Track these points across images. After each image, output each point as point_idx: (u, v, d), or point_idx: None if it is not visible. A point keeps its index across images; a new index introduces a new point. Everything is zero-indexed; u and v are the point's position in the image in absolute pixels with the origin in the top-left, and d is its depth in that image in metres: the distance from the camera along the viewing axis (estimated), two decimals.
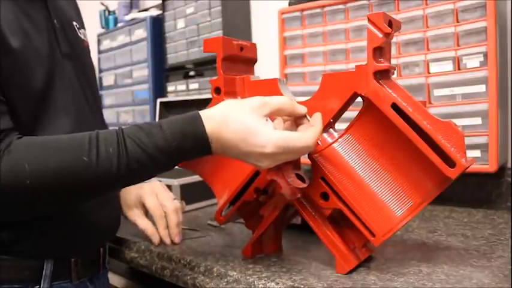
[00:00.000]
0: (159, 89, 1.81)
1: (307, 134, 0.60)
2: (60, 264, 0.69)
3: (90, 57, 0.83)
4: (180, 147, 0.58)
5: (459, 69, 0.99)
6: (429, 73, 1.03)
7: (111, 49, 2.03)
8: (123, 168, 0.57)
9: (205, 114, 0.59)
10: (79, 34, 0.78)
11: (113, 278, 0.94)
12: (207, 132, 0.58)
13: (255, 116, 0.59)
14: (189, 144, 0.58)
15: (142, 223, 0.86)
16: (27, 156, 0.56)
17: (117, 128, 0.60)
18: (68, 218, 0.68)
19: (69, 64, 0.72)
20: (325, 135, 0.69)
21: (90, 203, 0.68)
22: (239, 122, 0.58)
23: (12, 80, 0.61)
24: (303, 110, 0.63)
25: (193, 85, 1.68)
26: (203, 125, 0.58)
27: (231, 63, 0.74)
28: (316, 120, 0.62)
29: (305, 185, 0.65)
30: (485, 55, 0.95)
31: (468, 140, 0.85)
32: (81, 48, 0.77)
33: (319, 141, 0.68)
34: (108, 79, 2.02)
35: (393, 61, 1.01)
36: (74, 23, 0.77)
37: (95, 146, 0.57)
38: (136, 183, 0.64)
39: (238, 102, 0.61)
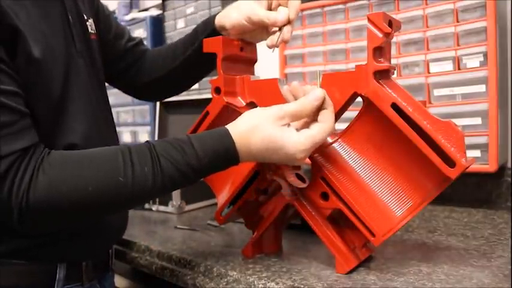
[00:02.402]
0: None
1: (326, 122, 0.61)
2: (72, 268, 0.69)
3: (99, 51, 0.80)
4: (211, 164, 0.60)
5: (459, 69, 0.99)
6: (429, 73, 1.03)
7: None
8: (158, 185, 0.58)
9: (233, 129, 0.61)
10: (88, 27, 0.76)
11: (115, 279, 0.93)
12: (237, 148, 0.60)
13: (278, 127, 0.60)
14: (220, 161, 0.61)
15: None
16: (63, 175, 0.56)
17: (146, 143, 0.60)
18: (81, 223, 0.68)
19: (82, 61, 0.71)
20: None
21: None
22: (265, 137, 0.60)
23: (34, 88, 0.61)
24: (316, 102, 0.61)
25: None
26: (233, 142, 0.60)
27: (231, 63, 0.74)
28: (327, 101, 0.62)
29: (305, 185, 0.66)
30: (485, 55, 0.95)
31: (468, 140, 0.85)
32: (90, 42, 0.76)
33: None
34: None
35: (393, 61, 1.01)
36: (84, 15, 0.75)
37: (129, 165, 0.57)
38: (163, 196, 0.64)
39: (259, 113, 0.62)
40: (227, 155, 0.60)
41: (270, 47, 0.74)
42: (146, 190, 0.58)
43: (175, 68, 0.87)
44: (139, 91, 0.96)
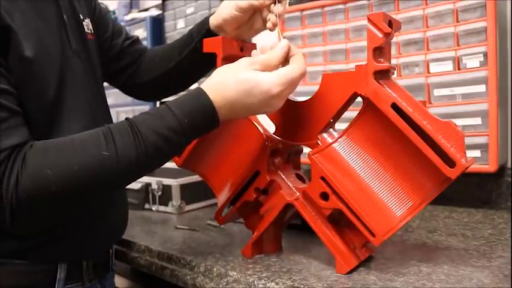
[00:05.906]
0: None
1: (297, 62, 0.64)
2: (73, 268, 0.69)
3: (96, 50, 0.80)
4: (191, 123, 0.60)
5: (459, 69, 0.99)
6: (429, 73, 1.03)
7: None
8: (143, 155, 0.58)
9: (205, 85, 0.62)
10: (84, 26, 0.75)
11: (115, 279, 0.93)
12: (212, 100, 0.60)
13: (250, 70, 0.62)
14: (199, 117, 0.60)
15: None
16: (46, 161, 0.56)
17: (125, 119, 0.60)
18: (81, 222, 0.68)
19: (78, 61, 0.71)
20: (325, 135, 0.69)
21: (101, 205, 0.70)
22: (238, 80, 0.61)
23: (28, 87, 0.61)
24: (281, 50, 0.64)
25: (193, 85, 1.68)
26: (207, 95, 0.61)
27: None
28: (294, 49, 0.66)
29: (305, 185, 0.66)
30: (485, 55, 0.95)
31: (468, 140, 0.85)
32: (87, 42, 0.75)
33: (319, 142, 0.68)
34: None
35: (393, 61, 1.01)
36: (80, 15, 0.75)
37: (111, 139, 0.57)
38: (154, 169, 0.64)
39: (229, 66, 0.64)
40: (203, 106, 0.60)
41: (270, 29, 0.75)
42: (132, 161, 0.57)
43: (172, 68, 0.88)
44: (137, 91, 0.96)
